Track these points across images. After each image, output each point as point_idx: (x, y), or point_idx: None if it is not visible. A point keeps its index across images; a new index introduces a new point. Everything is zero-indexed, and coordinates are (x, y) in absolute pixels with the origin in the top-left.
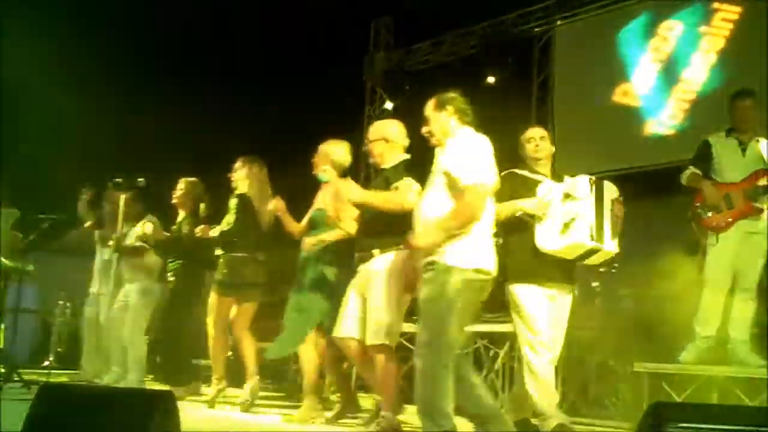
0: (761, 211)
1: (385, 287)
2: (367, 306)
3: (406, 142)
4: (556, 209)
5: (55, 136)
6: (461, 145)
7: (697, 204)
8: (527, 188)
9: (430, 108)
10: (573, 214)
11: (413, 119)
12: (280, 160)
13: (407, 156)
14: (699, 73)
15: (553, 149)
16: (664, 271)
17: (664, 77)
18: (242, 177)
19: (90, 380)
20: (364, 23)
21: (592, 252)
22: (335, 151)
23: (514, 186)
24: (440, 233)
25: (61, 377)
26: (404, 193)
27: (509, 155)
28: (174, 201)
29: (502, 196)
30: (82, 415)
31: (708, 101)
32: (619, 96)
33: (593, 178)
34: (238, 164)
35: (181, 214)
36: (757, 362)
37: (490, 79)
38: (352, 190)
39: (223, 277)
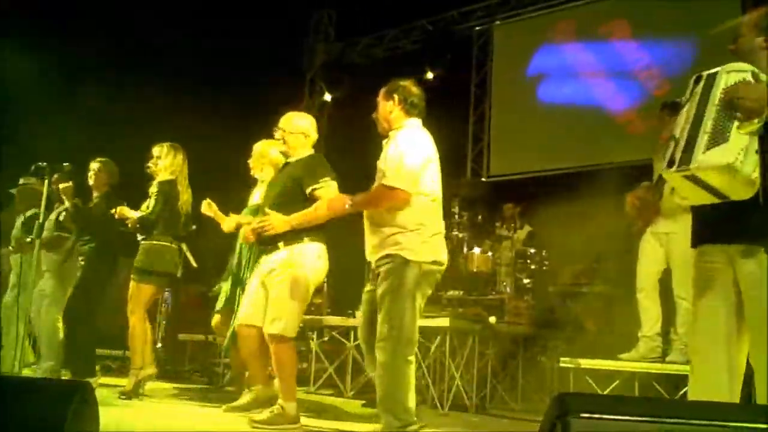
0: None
1: (288, 279)
2: (269, 296)
3: (316, 137)
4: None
5: None
6: (400, 144)
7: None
8: None
9: (380, 95)
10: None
11: (352, 112)
12: (215, 148)
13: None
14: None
15: None
16: (596, 270)
17: (602, 76)
18: (167, 164)
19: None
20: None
21: (701, 182)
22: (270, 151)
23: None
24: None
25: None
26: (329, 201)
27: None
28: (90, 182)
29: None
30: None
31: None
32: (556, 95)
33: (714, 71)
34: (162, 150)
35: (95, 195)
36: (680, 359)
37: (429, 75)
38: (281, 222)
39: (142, 264)
